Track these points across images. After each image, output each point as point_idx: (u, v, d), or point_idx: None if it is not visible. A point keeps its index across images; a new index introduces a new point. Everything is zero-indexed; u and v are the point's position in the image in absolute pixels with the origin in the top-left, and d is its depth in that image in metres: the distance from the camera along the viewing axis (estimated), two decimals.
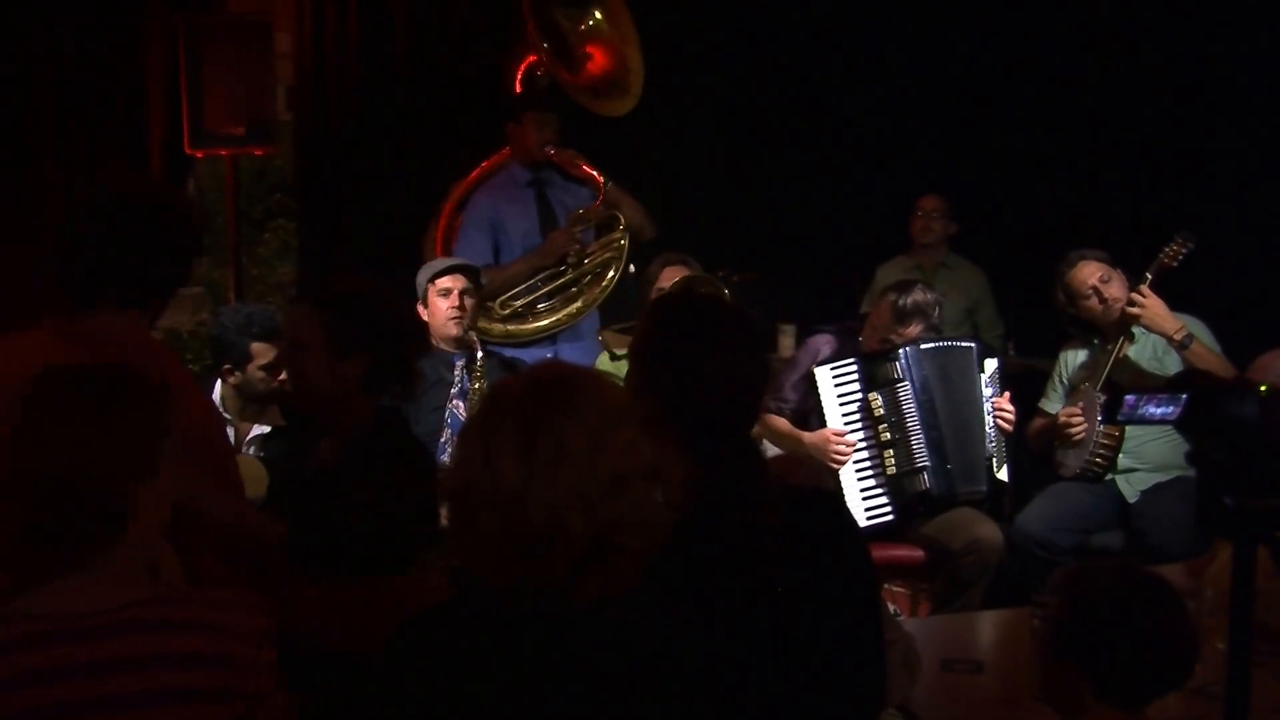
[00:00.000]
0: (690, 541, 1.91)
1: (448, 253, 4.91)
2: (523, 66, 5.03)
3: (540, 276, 4.81)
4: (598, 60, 5.00)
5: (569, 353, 4.81)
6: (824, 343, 4.53)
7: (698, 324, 2.08)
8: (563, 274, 4.81)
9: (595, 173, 4.90)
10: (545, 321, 4.81)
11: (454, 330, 4.23)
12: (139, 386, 1.86)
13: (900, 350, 4.29)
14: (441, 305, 4.25)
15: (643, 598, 1.76)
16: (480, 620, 1.72)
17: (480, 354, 4.20)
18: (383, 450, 2.61)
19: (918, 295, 4.31)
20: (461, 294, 4.26)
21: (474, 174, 5.04)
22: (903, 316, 4.29)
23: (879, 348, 4.34)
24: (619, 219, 4.87)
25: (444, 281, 4.27)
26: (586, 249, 4.85)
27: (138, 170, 4.90)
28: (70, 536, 1.78)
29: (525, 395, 1.72)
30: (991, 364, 4.42)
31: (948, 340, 4.49)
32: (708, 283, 4.51)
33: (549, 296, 4.83)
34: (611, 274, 4.86)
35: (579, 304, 4.84)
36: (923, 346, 4.32)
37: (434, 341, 4.29)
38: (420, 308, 4.32)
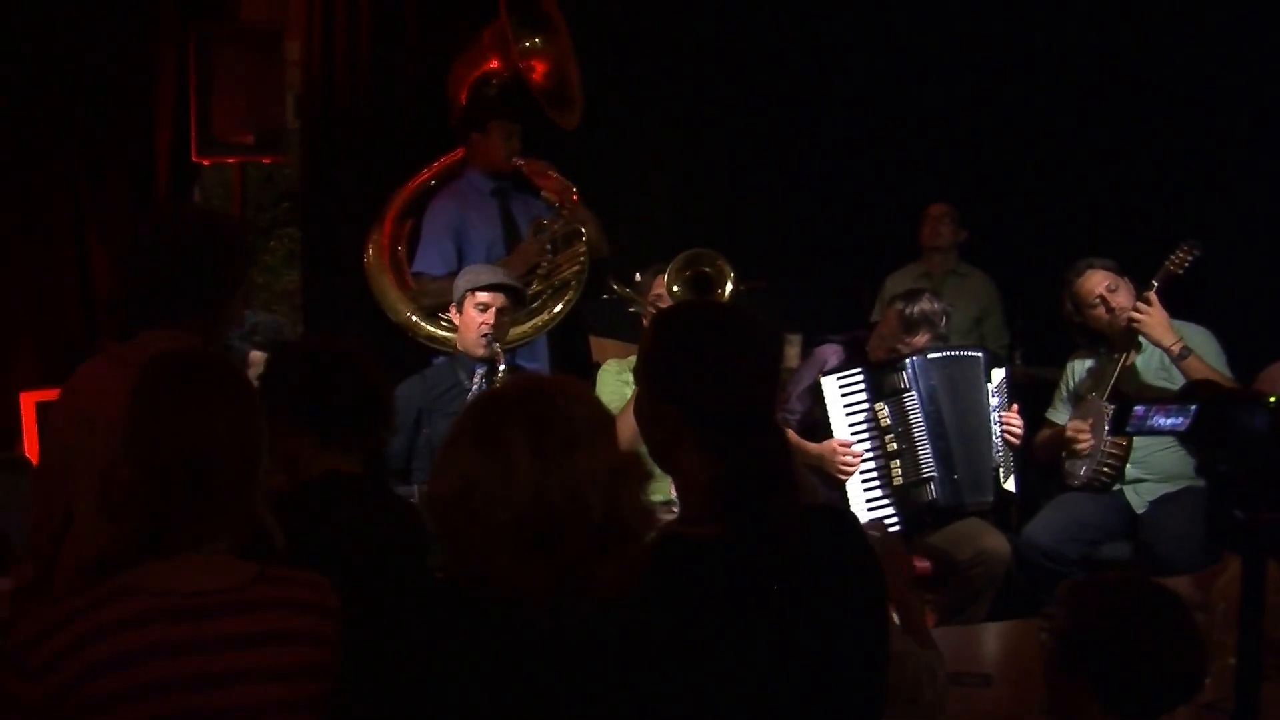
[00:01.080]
0: (717, 547, 1.91)
1: (394, 260, 4.87)
2: (472, 78, 4.99)
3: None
4: (539, 72, 4.98)
5: (526, 369, 4.77)
6: (831, 353, 4.51)
7: (701, 324, 2.07)
8: (529, 286, 4.75)
9: (567, 182, 4.83)
10: (512, 333, 4.76)
11: (481, 349, 4.17)
12: (242, 375, 2.00)
13: (907, 360, 4.27)
14: (476, 319, 4.18)
15: (648, 604, 1.77)
16: (487, 620, 1.72)
17: (503, 366, 4.14)
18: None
19: (925, 304, 4.29)
20: (498, 311, 4.20)
21: (420, 179, 4.99)
22: (910, 325, 4.27)
23: (886, 357, 4.33)
24: (580, 232, 4.80)
25: (484, 296, 4.21)
26: (555, 262, 4.80)
27: (143, 178, 4.90)
28: (197, 516, 1.87)
29: (524, 393, 1.78)
30: (999, 374, 4.40)
31: (955, 350, 4.47)
32: (710, 259, 4.48)
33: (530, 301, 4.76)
34: (574, 288, 4.80)
35: (544, 317, 4.78)
36: (930, 356, 4.30)
37: (458, 346, 4.27)
38: (453, 311, 4.30)
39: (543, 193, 4.86)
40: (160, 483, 1.85)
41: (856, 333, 4.62)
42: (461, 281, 4.28)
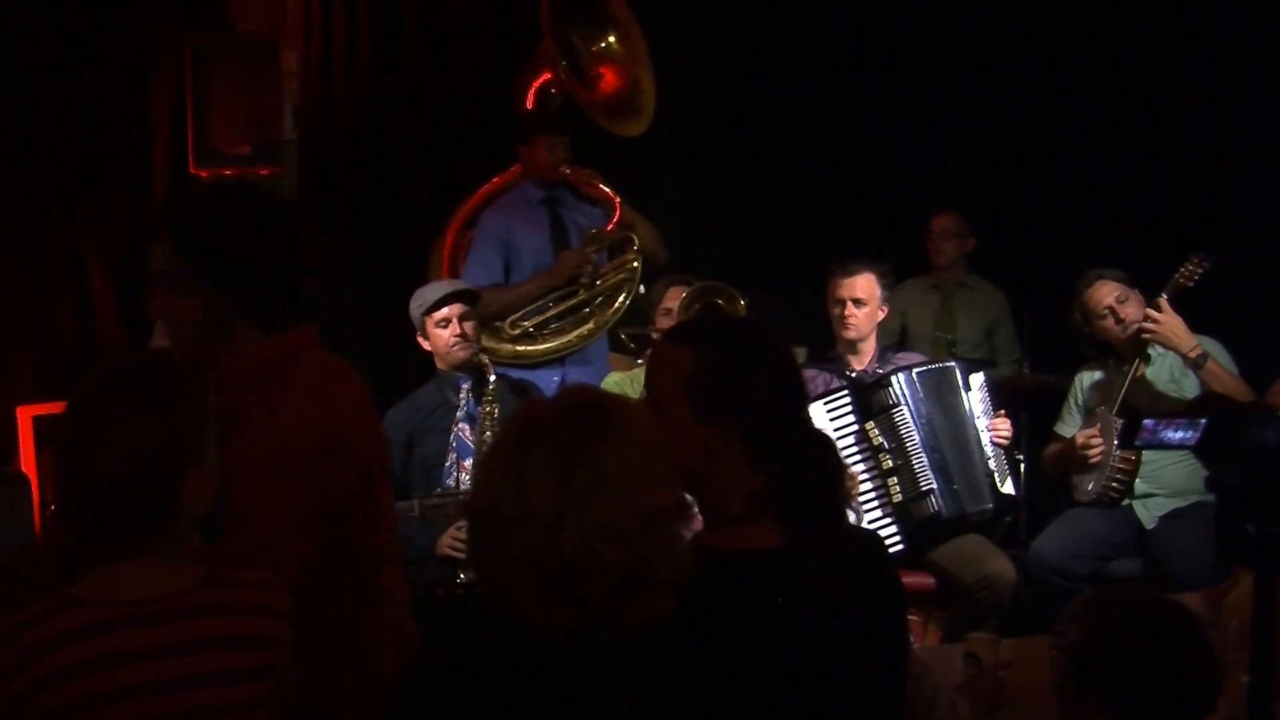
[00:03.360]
0: (776, 560, 1.90)
1: (454, 272, 4.86)
2: (536, 85, 5.00)
3: (551, 297, 4.74)
4: (609, 80, 4.97)
5: (576, 376, 4.73)
6: (808, 378, 4.48)
7: (735, 335, 2.06)
8: (574, 295, 4.75)
9: (610, 192, 4.85)
10: (555, 343, 4.74)
11: (462, 355, 4.11)
12: (183, 373, 1.94)
13: (892, 376, 4.26)
14: (443, 335, 4.12)
15: (675, 630, 1.72)
16: (506, 654, 1.68)
17: (492, 377, 4.10)
18: None
19: (854, 260, 4.37)
20: (460, 320, 4.14)
21: (481, 192, 5.00)
22: (848, 270, 4.34)
23: (845, 327, 4.35)
24: (633, 240, 4.82)
25: (440, 313, 4.15)
26: (599, 270, 4.80)
27: (140, 190, 4.87)
28: (130, 524, 1.86)
29: (563, 420, 1.69)
30: (977, 379, 4.39)
31: (934, 363, 4.49)
32: (721, 291, 4.45)
33: (559, 318, 4.76)
34: (623, 296, 4.80)
35: (590, 326, 4.78)
36: (915, 371, 4.31)
37: (439, 366, 4.24)
38: (420, 339, 4.24)
39: (616, 216, 4.85)
40: (95, 492, 1.85)
41: (826, 353, 4.59)
42: (413, 308, 4.21)
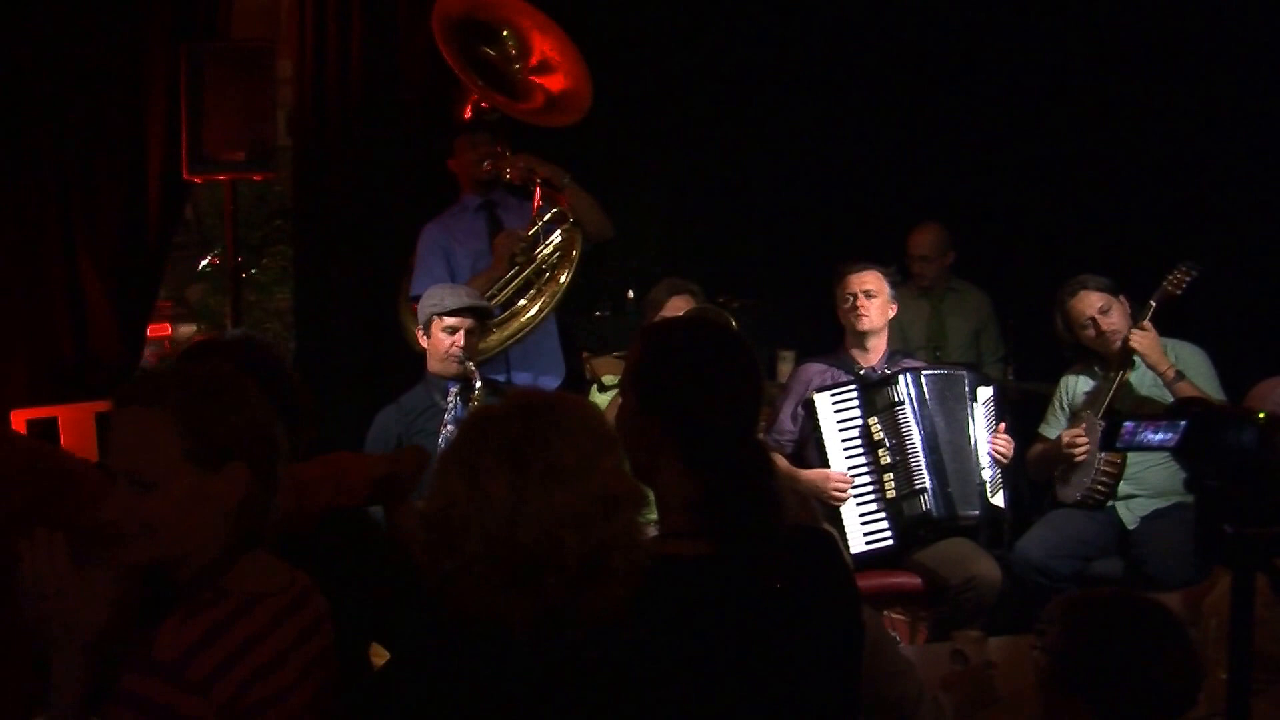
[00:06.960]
0: (706, 567, 1.91)
1: None
2: (470, 102, 4.97)
3: (499, 284, 4.69)
4: (556, 75, 4.94)
5: (521, 379, 4.73)
6: (815, 372, 4.52)
7: (689, 338, 2.10)
8: (518, 274, 4.70)
9: (545, 172, 4.77)
10: (531, 312, 4.71)
11: (454, 368, 4.19)
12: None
13: (900, 375, 4.30)
14: (445, 341, 4.18)
15: (632, 630, 1.75)
16: (465, 654, 1.69)
17: (479, 384, 4.14)
18: None
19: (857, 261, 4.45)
20: (466, 333, 4.20)
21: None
22: (855, 268, 4.43)
23: (859, 318, 4.38)
24: (565, 215, 4.74)
25: (451, 320, 4.20)
26: (535, 240, 4.71)
27: (135, 196, 4.88)
28: None
29: (512, 415, 1.72)
30: (985, 392, 4.41)
31: (945, 368, 4.54)
32: (716, 313, 4.48)
33: (512, 298, 4.72)
34: (567, 272, 4.75)
35: (544, 299, 4.72)
36: (924, 373, 4.34)
37: (430, 368, 4.27)
38: (420, 334, 4.30)
39: (537, 194, 4.78)
40: None
41: (837, 352, 4.63)
42: (427, 305, 4.26)
